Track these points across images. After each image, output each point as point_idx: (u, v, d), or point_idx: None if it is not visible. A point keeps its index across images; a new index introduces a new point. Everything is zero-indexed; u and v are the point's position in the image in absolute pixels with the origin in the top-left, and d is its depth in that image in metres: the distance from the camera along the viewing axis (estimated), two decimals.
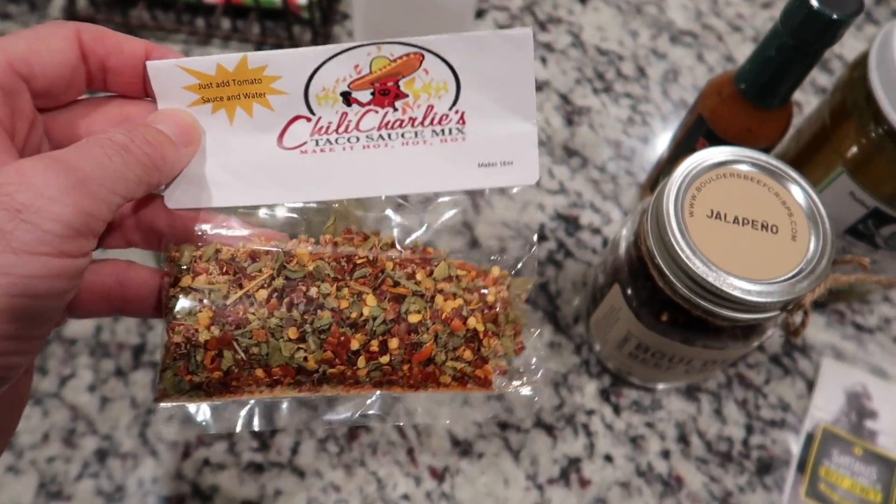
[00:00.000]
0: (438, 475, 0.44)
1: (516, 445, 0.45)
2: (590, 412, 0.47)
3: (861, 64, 0.40)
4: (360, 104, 0.29)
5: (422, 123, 0.29)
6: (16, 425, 0.26)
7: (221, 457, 0.43)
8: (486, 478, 0.44)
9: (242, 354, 0.28)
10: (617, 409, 0.47)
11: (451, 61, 0.29)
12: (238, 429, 0.30)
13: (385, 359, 0.28)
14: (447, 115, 0.29)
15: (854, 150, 0.40)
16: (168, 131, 0.26)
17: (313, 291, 0.28)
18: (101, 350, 0.46)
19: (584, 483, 0.45)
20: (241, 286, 0.28)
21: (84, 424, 0.44)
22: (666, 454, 0.46)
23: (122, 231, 0.28)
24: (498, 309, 0.30)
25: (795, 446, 0.47)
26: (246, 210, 0.30)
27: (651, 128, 0.59)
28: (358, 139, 0.29)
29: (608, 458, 0.45)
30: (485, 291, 0.30)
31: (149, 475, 0.43)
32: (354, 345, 0.28)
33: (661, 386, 0.47)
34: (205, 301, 0.28)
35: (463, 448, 0.45)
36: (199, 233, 0.29)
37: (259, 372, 0.28)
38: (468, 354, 0.29)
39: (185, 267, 0.28)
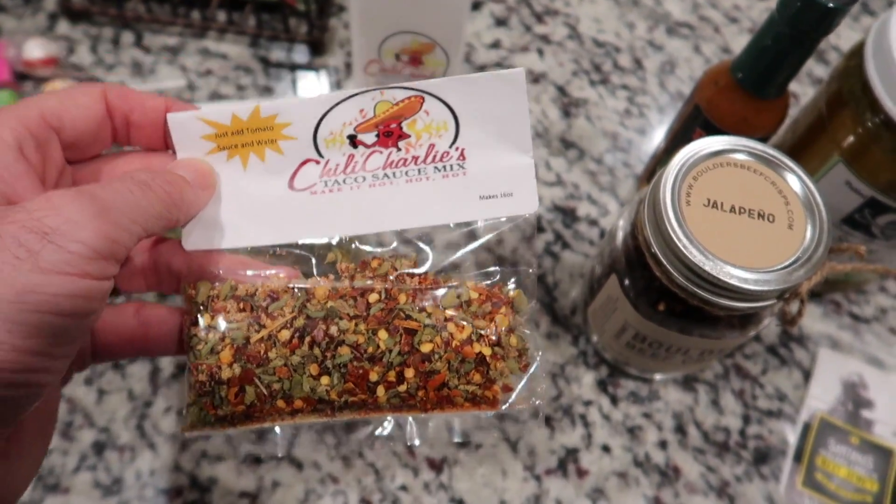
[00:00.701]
0: (437, 466, 0.44)
1: (514, 436, 0.45)
2: (587, 403, 0.47)
3: (857, 53, 0.40)
4: (366, 146, 0.31)
5: (424, 161, 0.31)
6: (46, 447, 0.27)
7: (219, 449, 0.43)
8: (484, 469, 0.44)
9: (264, 390, 0.29)
10: (614, 400, 0.47)
11: (449, 102, 0.30)
12: (263, 454, 0.32)
13: (402, 387, 0.30)
14: (448, 153, 0.31)
15: (850, 139, 0.40)
16: (186, 176, 0.28)
17: (333, 330, 0.29)
18: None
19: (581, 473, 0.45)
20: (262, 325, 0.29)
21: (81, 417, 0.44)
22: (663, 444, 0.46)
23: (142, 274, 0.30)
24: (503, 334, 0.31)
25: (792, 436, 0.47)
26: (259, 249, 0.31)
27: (648, 119, 0.59)
28: (364, 178, 0.31)
29: (606, 449, 0.46)
30: (493, 317, 0.31)
31: (146, 467, 0.43)
32: (373, 376, 0.29)
33: (658, 376, 0.48)
34: (226, 339, 0.29)
35: (461, 439, 0.45)
36: (216, 272, 0.30)
37: (281, 403, 0.29)
38: (477, 378, 0.30)
39: (202, 305, 0.30)
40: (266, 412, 0.30)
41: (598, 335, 0.46)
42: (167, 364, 0.46)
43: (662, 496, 0.44)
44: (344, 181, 0.31)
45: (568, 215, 0.54)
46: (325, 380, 0.29)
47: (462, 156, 0.31)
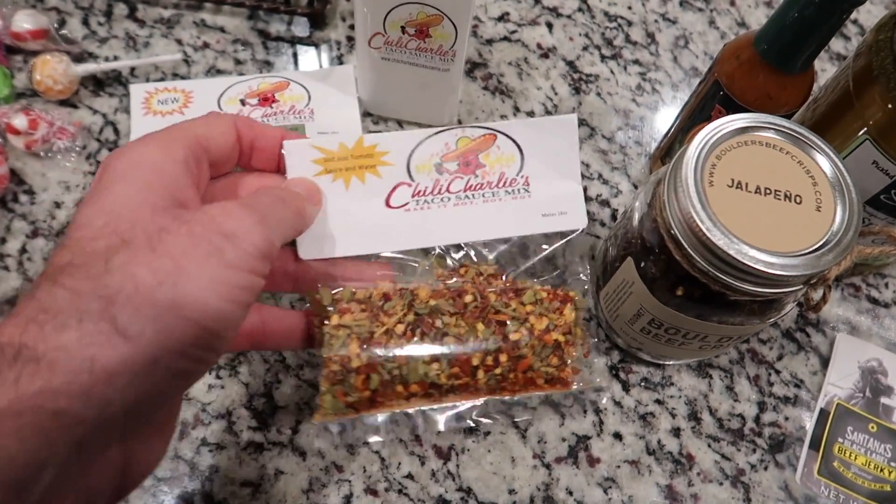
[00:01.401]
0: (444, 454, 0.43)
1: (523, 424, 0.44)
2: (598, 389, 0.45)
3: (887, 25, 0.38)
4: (450, 172, 0.38)
5: (496, 186, 0.38)
6: (174, 429, 0.31)
7: (220, 436, 0.42)
8: (493, 456, 0.43)
9: (387, 375, 0.35)
10: (626, 386, 0.46)
11: (517, 139, 0.39)
12: (371, 439, 0.39)
13: (498, 370, 0.37)
14: (515, 179, 0.39)
15: (879, 115, 0.38)
16: (301, 193, 0.34)
17: (439, 322, 0.36)
18: None
19: (593, 461, 0.43)
20: (381, 322, 0.36)
21: None
22: (676, 432, 0.45)
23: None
24: (571, 324, 0.38)
25: (809, 423, 0.46)
26: (362, 258, 0.38)
27: (661, 96, 0.57)
28: (449, 199, 0.38)
29: (617, 436, 0.44)
30: (561, 311, 0.38)
31: None
32: (475, 361, 0.36)
33: (671, 362, 0.46)
34: (352, 335, 0.35)
35: (469, 426, 0.43)
36: (331, 275, 0.37)
37: (399, 388, 0.36)
38: (555, 360, 0.38)
39: (329, 308, 0.36)
40: (387, 397, 0.36)
41: (611, 320, 0.44)
42: None
43: (676, 485, 0.43)
44: (432, 201, 0.38)
45: None
46: (435, 365, 0.36)
47: (527, 182, 0.39)
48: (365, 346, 0.35)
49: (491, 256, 0.40)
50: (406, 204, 0.38)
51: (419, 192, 0.38)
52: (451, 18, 0.41)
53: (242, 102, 0.49)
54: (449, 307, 0.37)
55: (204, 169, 0.31)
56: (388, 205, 0.37)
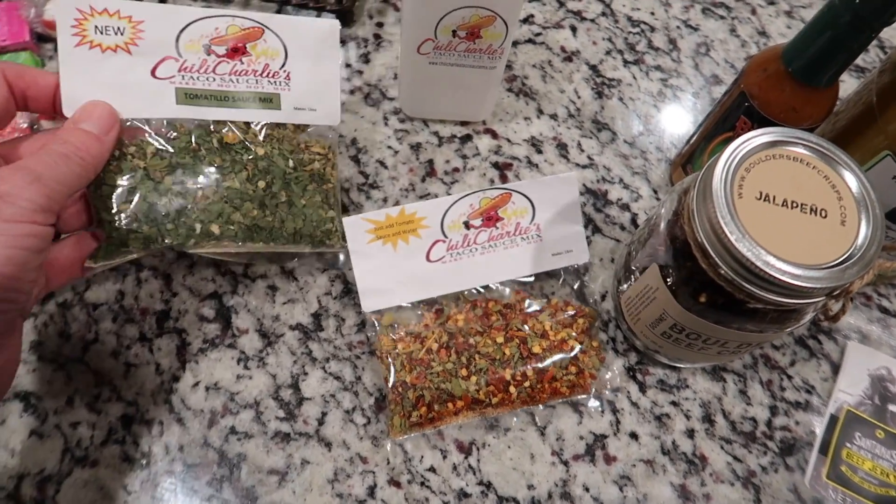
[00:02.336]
0: (465, 449, 0.44)
1: (542, 421, 0.45)
2: (616, 390, 0.47)
3: None
4: (475, 227, 0.46)
5: (513, 234, 0.47)
6: (12, 379, 0.36)
7: (248, 425, 0.43)
8: (513, 452, 0.44)
9: (434, 390, 0.42)
10: (643, 388, 0.47)
11: (529, 195, 0.47)
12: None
13: (527, 383, 0.43)
14: (529, 227, 0.47)
15: None
16: (91, 127, 0.37)
17: (471, 341, 0.44)
18: (123, 315, 0.46)
19: (609, 460, 0.45)
20: (422, 344, 0.44)
21: (109, 390, 0.44)
22: (691, 433, 0.46)
23: (76, 218, 0.40)
24: (584, 335, 0.45)
25: (819, 428, 0.47)
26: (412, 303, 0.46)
27: (682, 103, 0.58)
28: (476, 249, 0.46)
29: (633, 436, 0.45)
30: (576, 322, 0.46)
31: (175, 442, 0.42)
32: (507, 376, 0.43)
33: (687, 365, 0.47)
34: (401, 358, 0.44)
35: (489, 422, 0.45)
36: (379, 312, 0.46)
37: (449, 405, 0.43)
38: (573, 369, 0.44)
39: (392, 335, 0.45)
40: (440, 414, 0.43)
41: (631, 323, 0.45)
42: (195, 339, 0.45)
43: (689, 484, 0.44)
44: (462, 252, 0.46)
45: (599, 199, 0.53)
46: (473, 379, 0.43)
47: (538, 229, 0.47)
48: (413, 365, 0.43)
49: (507, 291, 0.48)
50: (442, 257, 0.46)
51: (452, 246, 0.46)
52: (504, 18, 0.42)
53: (207, 50, 0.41)
54: (476, 325, 0.45)
55: None
56: (428, 259, 0.46)
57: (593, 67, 0.58)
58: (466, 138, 0.54)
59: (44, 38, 0.54)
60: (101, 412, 0.43)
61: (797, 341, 0.50)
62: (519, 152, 0.54)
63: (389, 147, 0.54)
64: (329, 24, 0.41)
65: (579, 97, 0.57)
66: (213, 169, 0.41)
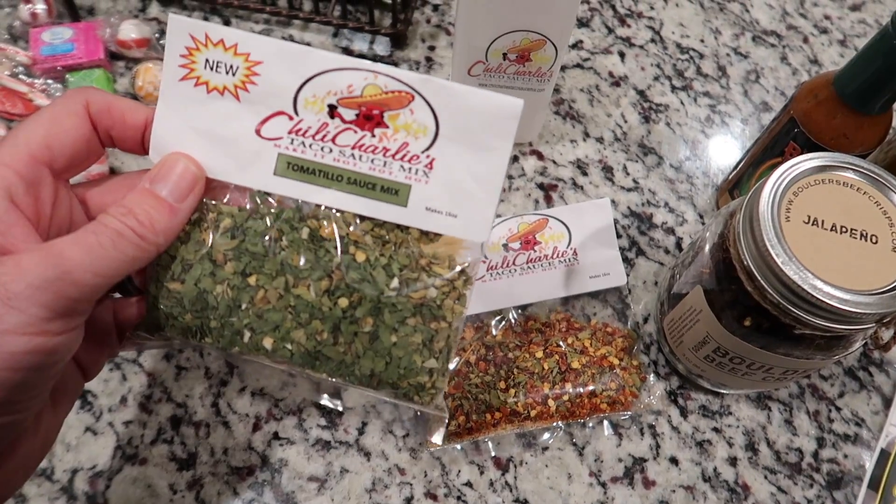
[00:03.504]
0: (502, 465, 0.44)
1: (581, 441, 0.45)
2: (657, 413, 0.46)
3: None
4: (514, 250, 0.48)
5: (552, 257, 0.48)
6: (25, 478, 0.29)
7: (290, 432, 0.44)
8: (550, 471, 0.44)
9: (472, 400, 0.43)
10: (684, 412, 0.47)
11: (564, 221, 0.49)
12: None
13: (566, 397, 0.44)
14: (566, 251, 0.49)
15: None
16: (166, 193, 0.29)
17: (510, 355, 0.45)
18: None
19: (648, 484, 0.44)
20: (460, 355, 0.45)
21: (160, 391, 0.45)
22: (733, 461, 0.45)
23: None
24: (624, 353, 0.46)
25: (868, 463, 0.46)
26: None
27: (730, 129, 0.58)
28: (515, 271, 0.48)
29: (673, 461, 0.45)
30: (613, 340, 0.47)
31: (220, 444, 0.44)
32: (545, 389, 0.44)
33: (730, 391, 0.47)
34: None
35: (528, 440, 0.45)
36: None
37: (487, 416, 0.43)
38: (613, 385, 0.45)
39: None
40: (479, 424, 0.43)
41: (674, 346, 0.45)
42: None
43: None
44: (502, 273, 0.47)
45: (644, 222, 0.53)
46: (512, 392, 0.43)
47: (575, 253, 0.49)
48: (452, 377, 0.43)
49: (547, 310, 0.49)
50: (483, 276, 0.47)
51: (492, 266, 0.47)
52: (554, 42, 0.43)
53: (332, 112, 0.31)
54: (515, 340, 0.46)
55: (44, 190, 0.27)
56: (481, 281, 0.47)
57: (641, 93, 0.59)
58: (513, 159, 0.55)
59: (116, 56, 0.58)
60: (151, 412, 0.45)
61: (846, 372, 0.49)
62: (564, 174, 0.55)
63: None
64: (510, 104, 0.30)
65: (626, 121, 0.57)
66: (288, 266, 0.31)
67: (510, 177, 0.55)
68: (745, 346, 0.39)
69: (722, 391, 0.47)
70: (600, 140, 0.57)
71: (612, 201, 0.54)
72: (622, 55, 0.61)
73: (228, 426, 0.44)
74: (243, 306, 0.31)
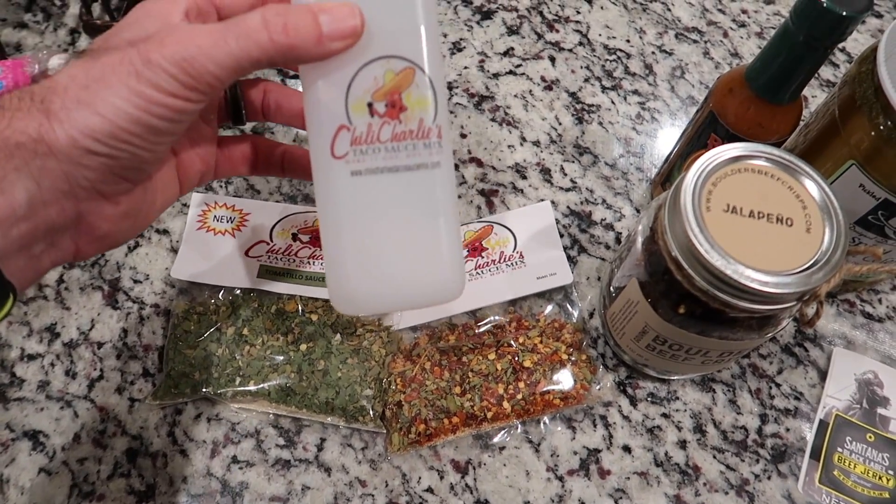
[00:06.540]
0: (461, 468, 0.45)
1: (536, 438, 0.46)
2: (607, 404, 0.48)
3: (869, 58, 0.41)
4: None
5: (499, 262, 0.51)
6: (174, 195, 0.35)
7: (249, 454, 0.44)
8: (508, 470, 0.45)
9: (430, 406, 0.45)
10: (634, 401, 0.48)
11: (509, 226, 0.52)
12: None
13: (520, 395, 0.46)
14: (512, 255, 0.51)
15: (863, 142, 0.41)
16: (324, 22, 0.28)
17: (464, 359, 0.47)
18: (127, 352, 0.47)
19: (603, 473, 0.46)
20: (414, 363, 0.47)
21: (114, 425, 0.45)
22: (683, 444, 0.47)
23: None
24: (573, 347, 0.48)
25: (809, 434, 0.48)
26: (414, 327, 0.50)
27: (660, 124, 0.60)
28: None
29: (626, 449, 0.46)
30: (562, 335, 0.48)
31: (178, 473, 0.44)
32: (500, 390, 0.46)
33: (676, 377, 0.48)
34: (396, 378, 0.46)
35: (484, 441, 0.46)
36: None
37: (445, 421, 0.45)
38: (564, 380, 0.46)
39: (389, 371, 0.47)
40: (437, 430, 0.44)
41: (618, 338, 0.47)
42: None
43: (683, 495, 0.45)
44: None
45: (584, 220, 0.55)
46: (468, 395, 0.45)
47: (521, 255, 0.51)
48: (407, 383, 0.46)
49: (496, 313, 0.50)
50: None
51: None
52: (419, 64, 0.30)
53: (294, 237, 0.50)
54: (468, 344, 0.47)
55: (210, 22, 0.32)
56: None
57: (573, 95, 0.61)
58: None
59: None
60: (106, 447, 0.44)
61: (783, 349, 0.51)
62: (504, 179, 0.56)
63: None
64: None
65: (560, 124, 0.59)
66: (265, 327, 0.47)
67: None
68: (682, 332, 0.40)
69: (668, 378, 0.48)
70: (537, 143, 0.58)
71: (553, 202, 0.55)
72: (552, 60, 0.63)
73: (186, 454, 0.44)
74: (237, 358, 0.46)
